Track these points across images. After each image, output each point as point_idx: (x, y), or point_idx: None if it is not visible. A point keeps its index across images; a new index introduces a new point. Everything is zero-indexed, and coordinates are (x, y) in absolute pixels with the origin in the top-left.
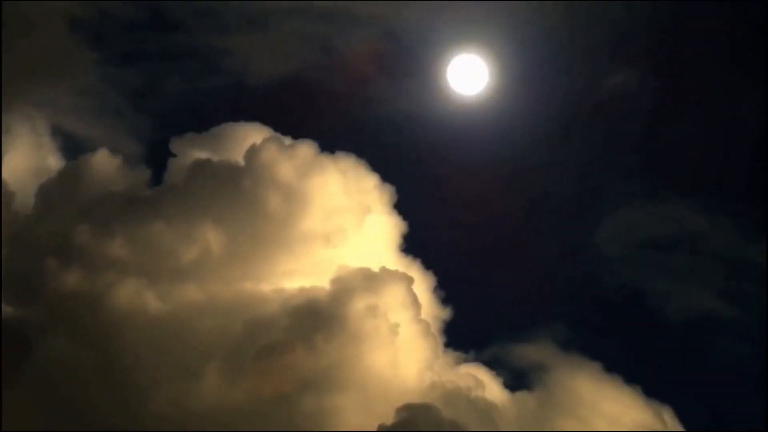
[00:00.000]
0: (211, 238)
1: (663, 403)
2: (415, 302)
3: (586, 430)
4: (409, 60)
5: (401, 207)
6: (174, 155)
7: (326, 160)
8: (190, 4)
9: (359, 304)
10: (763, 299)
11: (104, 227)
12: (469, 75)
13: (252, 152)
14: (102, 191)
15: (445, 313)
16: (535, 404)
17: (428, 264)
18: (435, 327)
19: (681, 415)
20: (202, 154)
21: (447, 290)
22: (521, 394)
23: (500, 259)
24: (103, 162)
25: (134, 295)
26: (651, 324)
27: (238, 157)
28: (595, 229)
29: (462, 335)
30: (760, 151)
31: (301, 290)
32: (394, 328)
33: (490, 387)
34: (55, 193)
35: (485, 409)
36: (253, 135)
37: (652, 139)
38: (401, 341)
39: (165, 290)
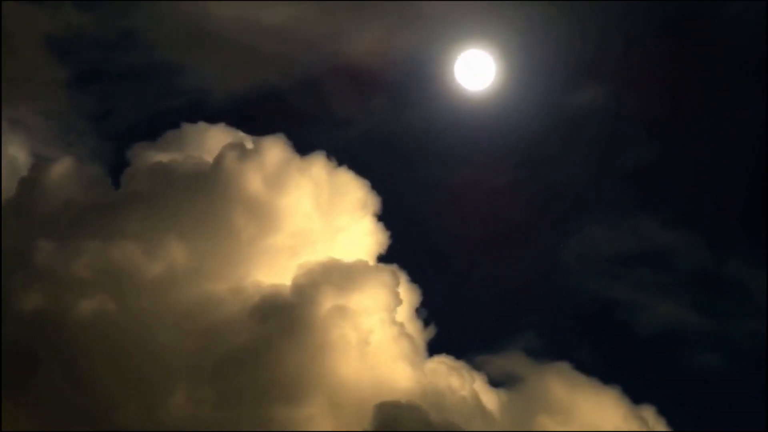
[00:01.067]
0: (175, 245)
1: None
2: (393, 300)
3: (572, 429)
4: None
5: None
6: (130, 164)
7: (299, 162)
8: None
9: (328, 303)
10: (732, 312)
11: (64, 240)
12: (476, 71)
13: (215, 153)
14: (61, 200)
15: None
16: (521, 402)
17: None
18: (413, 327)
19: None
20: (160, 157)
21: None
22: (507, 392)
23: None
24: (63, 170)
25: (97, 309)
26: (622, 335)
27: (202, 158)
28: (563, 245)
29: (436, 345)
30: (725, 167)
31: (267, 290)
32: (370, 327)
33: (475, 384)
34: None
35: (473, 407)
36: (216, 137)
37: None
38: (378, 342)
39: (127, 301)
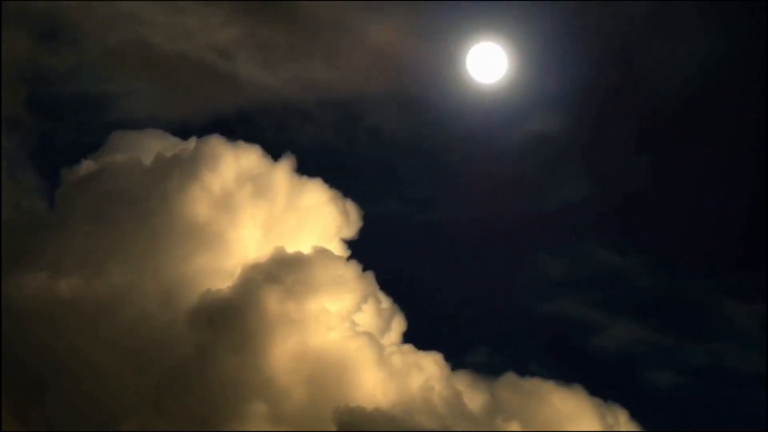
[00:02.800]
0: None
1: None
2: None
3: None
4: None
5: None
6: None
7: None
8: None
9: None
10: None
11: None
12: (488, 63)
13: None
14: None
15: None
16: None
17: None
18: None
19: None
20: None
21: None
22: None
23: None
24: None
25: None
26: (579, 353)
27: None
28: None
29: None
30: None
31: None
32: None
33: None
34: None
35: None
36: (150, 143)
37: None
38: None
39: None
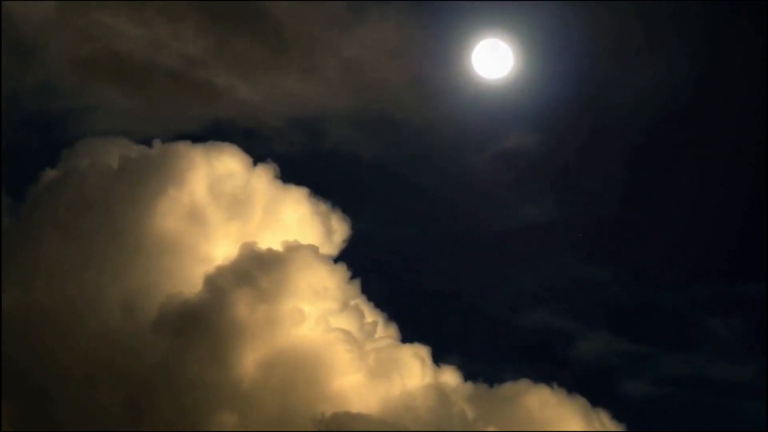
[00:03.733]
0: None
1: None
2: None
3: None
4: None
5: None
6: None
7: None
8: None
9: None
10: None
11: None
12: (494, 59)
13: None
14: None
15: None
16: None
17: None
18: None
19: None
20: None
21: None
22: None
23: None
24: None
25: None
26: (556, 362)
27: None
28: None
29: None
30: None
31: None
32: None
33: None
34: None
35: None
36: (113, 148)
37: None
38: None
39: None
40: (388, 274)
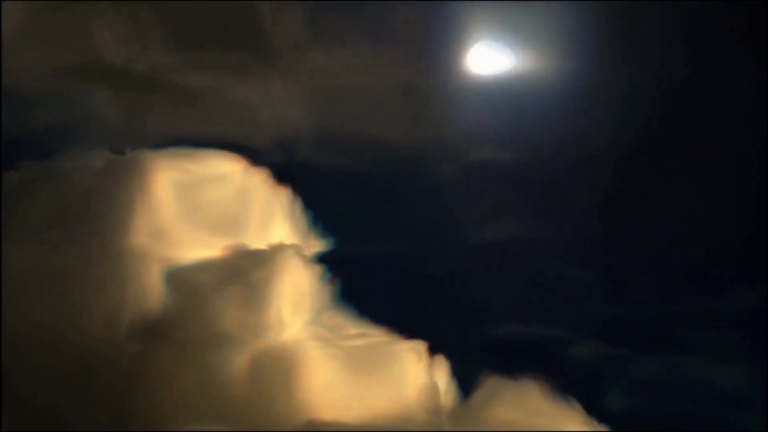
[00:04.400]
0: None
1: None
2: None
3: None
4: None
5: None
6: None
7: None
8: None
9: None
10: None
11: None
12: (491, 61)
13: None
14: None
15: None
16: None
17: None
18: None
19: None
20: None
21: None
22: None
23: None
24: None
25: None
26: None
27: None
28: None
29: None
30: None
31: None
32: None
33: None
34: None
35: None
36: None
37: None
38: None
39: None
40: (368, 280)
